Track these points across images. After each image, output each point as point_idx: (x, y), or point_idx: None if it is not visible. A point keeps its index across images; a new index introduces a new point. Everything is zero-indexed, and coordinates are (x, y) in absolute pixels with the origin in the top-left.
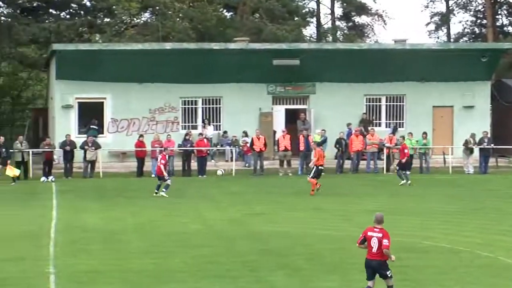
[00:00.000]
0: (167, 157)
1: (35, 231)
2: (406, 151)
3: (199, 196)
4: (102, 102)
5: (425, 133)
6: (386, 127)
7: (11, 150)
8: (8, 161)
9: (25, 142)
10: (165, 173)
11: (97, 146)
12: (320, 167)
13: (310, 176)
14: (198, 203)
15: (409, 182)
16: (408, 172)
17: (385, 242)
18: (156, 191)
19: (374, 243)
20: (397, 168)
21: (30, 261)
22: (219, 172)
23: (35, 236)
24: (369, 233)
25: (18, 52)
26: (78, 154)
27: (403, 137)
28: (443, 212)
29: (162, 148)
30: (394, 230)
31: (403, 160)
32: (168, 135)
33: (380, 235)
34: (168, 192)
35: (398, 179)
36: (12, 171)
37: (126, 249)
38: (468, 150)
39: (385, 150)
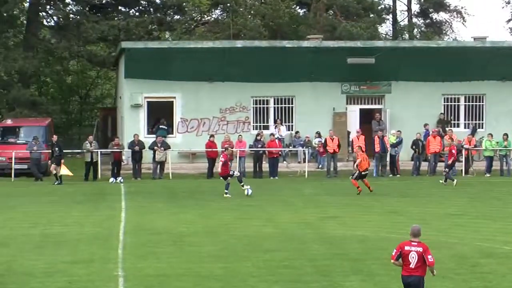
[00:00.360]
0: (228, 156)
1: (103, 233)
2: (453, 151)
3: (271, 199)
4: (172, 102)
5: (505, 134)
6: (465, 127)
7: (79, 151)
8: (62, 160)
9: (95, 142)
10: (229, 170)
11: (166, 147)
12: (363, 172)
13: (353, 177)
14: (270, 205)
15: (455, 182)
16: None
17: (429, 258)
18: (226, 190)
19: (413, 258)
20: (446, 170)
21: (99, 264)
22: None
23: (104, 238)
24: (406, 248)
25: (86, 51)
26: (147, 154)
27: (452, 138)
28: None
29: (223, 148)
30: (474, 235)
31: (450, 162)
32: (240, 135)
33: (420, 249)
34: (237, 194)
35: (449, 182)
36: (66, 170)
37: (196, 253)
38: None
39: (463, 152)
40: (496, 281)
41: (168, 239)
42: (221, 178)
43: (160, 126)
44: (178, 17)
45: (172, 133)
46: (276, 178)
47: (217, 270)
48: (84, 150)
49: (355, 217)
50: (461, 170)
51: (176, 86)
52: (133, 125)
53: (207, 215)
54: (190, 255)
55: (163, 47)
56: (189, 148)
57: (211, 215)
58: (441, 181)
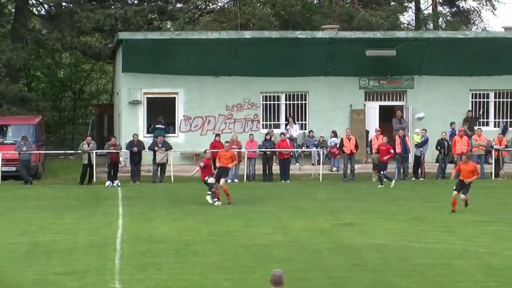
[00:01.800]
0: (208, 160)
1: (99, 241)
2: (391, 151)
3: (281, 204)
4: (174, 98)
5: None
6: (495, 126)
7: (72, 152)
8: None
9: (93, 142)
10: (205, 177)
11: (168, 147)
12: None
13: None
14: (281, 211)
15: (393, 182)
16: (384, 172)
17: None
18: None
19: None
20: (383, 172)
21: (94, 275)
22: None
23: (100, 247)
24: None
25: (80, 42)
26: (146, 155)
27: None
28: None
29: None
30: (504, 243)
31: (385, 159)
32: (251, 134)
33: None
34: (245, 200)
35: (387, 182)
36: None
37: (200, 263)
38: None
39: (493, 153)
40: None
41: (170, 248)
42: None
43: (157, 126)
44: (181, 5)
45: (174, 132)
46: (288, 181)
47: (223, 282)
48: (80, 151)
49: (374, 224)
50: (491, 173)
51: (179, 81)
52: (131, 124)
53: (212, 222)
54: (193, 265)
55: (164, 38)
56: (192, 148)
57: (217, 222)
58: (379, 186)
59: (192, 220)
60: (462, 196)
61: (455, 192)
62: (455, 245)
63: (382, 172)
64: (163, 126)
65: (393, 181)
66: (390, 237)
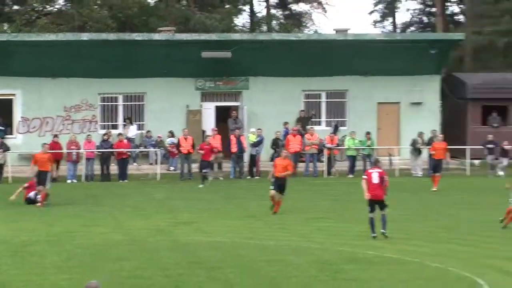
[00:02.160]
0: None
1: None
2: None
3: (120, 203)
4: (11, 99)
5: (368, 132)
6: (327, 126)
7: None
8: None
9: None
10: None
11: (5, 148)
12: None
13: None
14: (119, 211)
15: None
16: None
17: None
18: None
19: None
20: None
21: None
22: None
23: None
24: None
25: None
26: None
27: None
28: (390, 218)
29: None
30: (336, 239)
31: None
32: (88, 135)
33: None
34: (84, 200)
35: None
36: None
37: (38, 264)
38: (416, 151)
39: (325, 151)
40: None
41: (7, 249)
42: None
43: None
44: (18, 7)
45: (12, 134)
46: (126, 181)
47: (61, 282)
48: None
49: (211, 222)
50: (323, 171)
51: (16, 83)
52: None
53: (51, 223)
54: (32, 266)
55: (1, 40)
56: (30, 149)
57: (55, 223)
58: (200, 186)
59: (30, 221)
60: (278, 196)
61: (272, 191)
62: (290, 241)
63: (203, 171)
64: (2, 128)
65: (206, 183)
66: (226, 234)
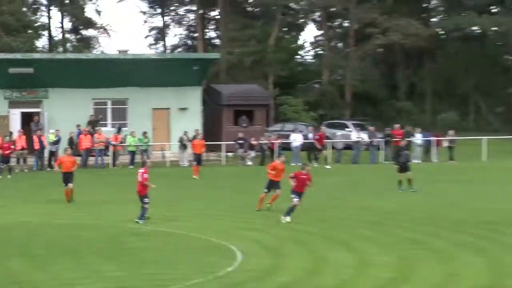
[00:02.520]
0: None
1: None
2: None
3: None
4: None
5: (145, 132)
6: (112, 127)
7: None
8: None
9: None
10: None
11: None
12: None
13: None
14: None
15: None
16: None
17: None
18: None
19: None
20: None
21: None
22: None
23: None
24: None
25: None
26: None
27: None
28: (163, 200)
29: None
30: (120, 218)
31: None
32: None
33: None
34: None
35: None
36: None
37: None
38: (183, 146)
39: (110, 148)
40: (141, 254)
41: None
42: None
43: None
44: None
45: None
46: None
47: None
48: None
49: (20, 206)
50: (109, 163)
51: None
52: None
53: None
54: None
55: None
56: None
57: None
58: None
59: None
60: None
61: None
62: (85, 220)
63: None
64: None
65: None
66: (35, 217)
